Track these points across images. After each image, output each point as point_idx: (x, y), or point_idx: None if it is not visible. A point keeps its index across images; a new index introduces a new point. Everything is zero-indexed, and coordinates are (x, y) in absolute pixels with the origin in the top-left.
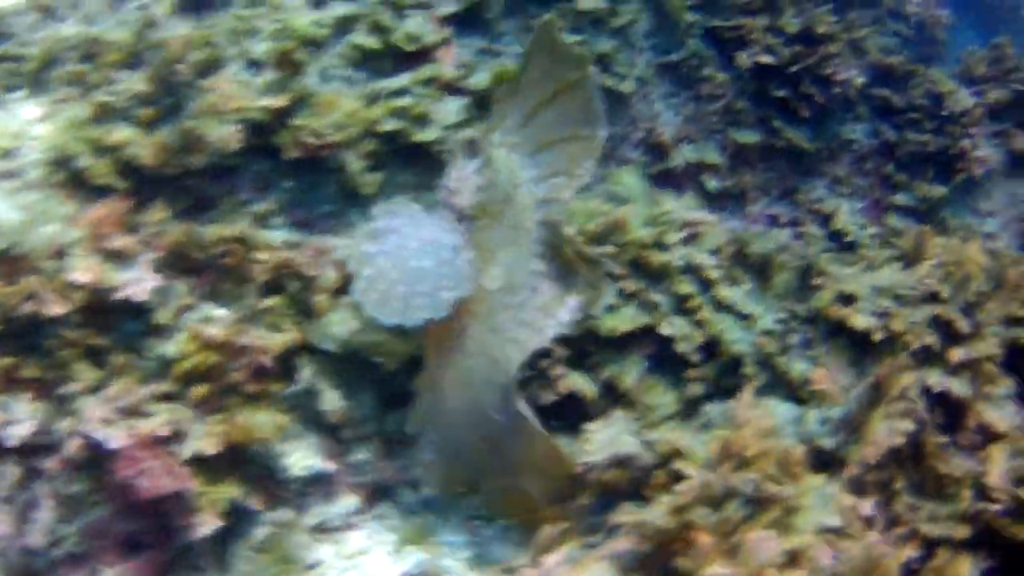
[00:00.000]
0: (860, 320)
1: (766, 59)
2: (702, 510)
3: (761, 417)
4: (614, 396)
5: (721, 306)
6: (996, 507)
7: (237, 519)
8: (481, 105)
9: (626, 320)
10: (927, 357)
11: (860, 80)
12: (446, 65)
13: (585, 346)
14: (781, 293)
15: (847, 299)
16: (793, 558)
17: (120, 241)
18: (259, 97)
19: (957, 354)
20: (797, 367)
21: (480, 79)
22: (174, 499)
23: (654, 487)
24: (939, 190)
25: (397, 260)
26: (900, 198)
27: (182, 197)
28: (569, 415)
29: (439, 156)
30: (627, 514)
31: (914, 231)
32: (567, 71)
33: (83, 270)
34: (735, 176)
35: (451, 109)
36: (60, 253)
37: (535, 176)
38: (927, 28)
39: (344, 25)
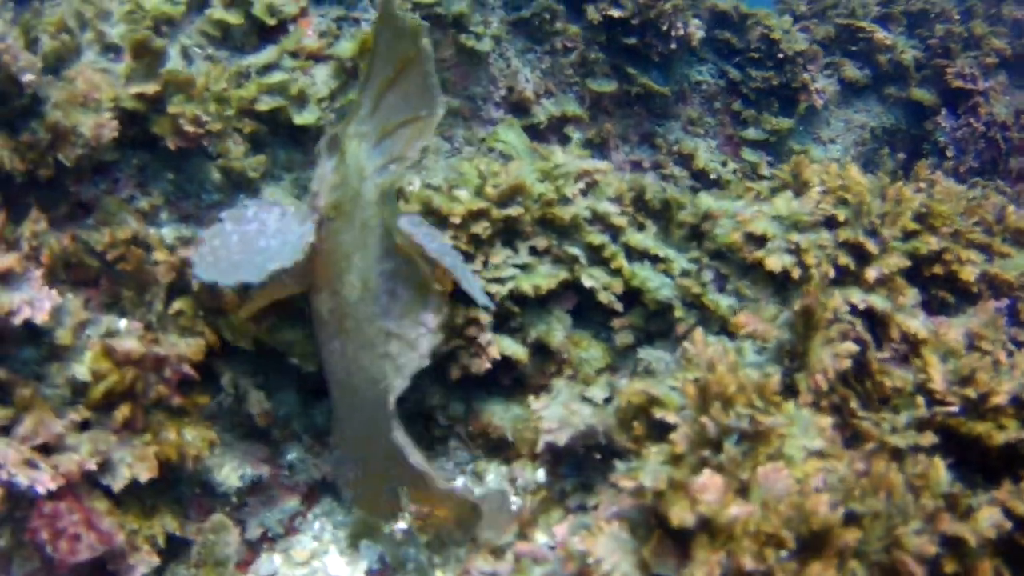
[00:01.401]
0: (775, 261)
1: (614, 12)
2: (705, 452)
3: (724, 353)
4: (544, 355)
5: (634, 253)
6: (949, 409)
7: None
8: (351, 74)
9: (546, 277)
10: (842, 278)
11: (700, 34)
12: (307, 36)
13: (508, 307)
14: (685, 235)
15: (757, 240)
16: (803, 487)
17: (4, 259)
18: (128, 84)
19: (872, 273)
20: (724, 303)
21: (344, 47)
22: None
23: (636, 438)
24: (786, 122)
25: (246, 238)
26: (751, 132)
27: (60, 201)
28: (504, 380)
29: (320, 131)
30: (625, 477)
31: (792, 160)
32: (405, 46)
33: None
34: (596, 125)
35: (321, 79)
36: None
37: (378, 167)
38: None
39: (199, 1)
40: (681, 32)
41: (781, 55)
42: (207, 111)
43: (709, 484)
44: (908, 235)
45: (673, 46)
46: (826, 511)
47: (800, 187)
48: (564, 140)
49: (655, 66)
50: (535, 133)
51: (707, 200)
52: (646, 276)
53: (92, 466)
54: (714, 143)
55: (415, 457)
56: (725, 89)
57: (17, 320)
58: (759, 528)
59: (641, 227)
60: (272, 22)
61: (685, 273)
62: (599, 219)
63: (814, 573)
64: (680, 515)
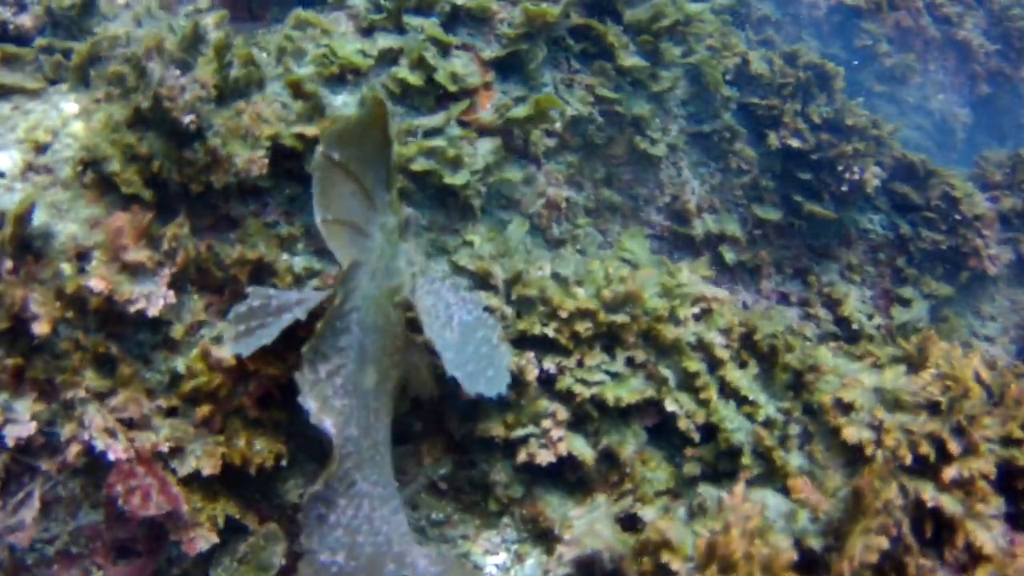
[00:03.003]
0: (853, 433)
1: (794, 143)
2: None
3: (750, 515)
4: (611, 463)
5: (727, 388)
6: None
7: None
8: (518, 153)
9: (632, 391)
10: (922, 469)
11: (876, 182)
12: (483, 109)
13: (587, 410)
14: (787, 381)
15: (846, 407)
16: None
17: (138, 254)
18: (292, 124)
19: (949, 472)
20: (794, 462)
21: (518, 111)
22: (168, 515)
23: (642, 573)
24: (946, 288)
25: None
26: (908, 291)
27: (207, 214)
28: (569, 476)
29: (467, 200)
30: None
31: (920, 335)
32: None
33: (99, 278)
34: (752, 250)
35: (483, 151)
36: (80, 256)
37: None
38: (948, 124)
39: (389, 57)
40: (857, 176)
41: (959, 217)
42: None
43: None
44: (1009, 441)
45: (845, 188)
46: None
47: (920, 363)
48: (717, 258)
49: (824, 205)
50: (688, 245)
51: (824, 353)
52: (726, 415)
53: (165, 448)
54: (869, 293)
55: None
56: (892, 242)
57: (131, 309)
58: None
59: (744, 364)
60: (452, 89)
61: (768, 422)
62: (703, 347)
63: None
64: None
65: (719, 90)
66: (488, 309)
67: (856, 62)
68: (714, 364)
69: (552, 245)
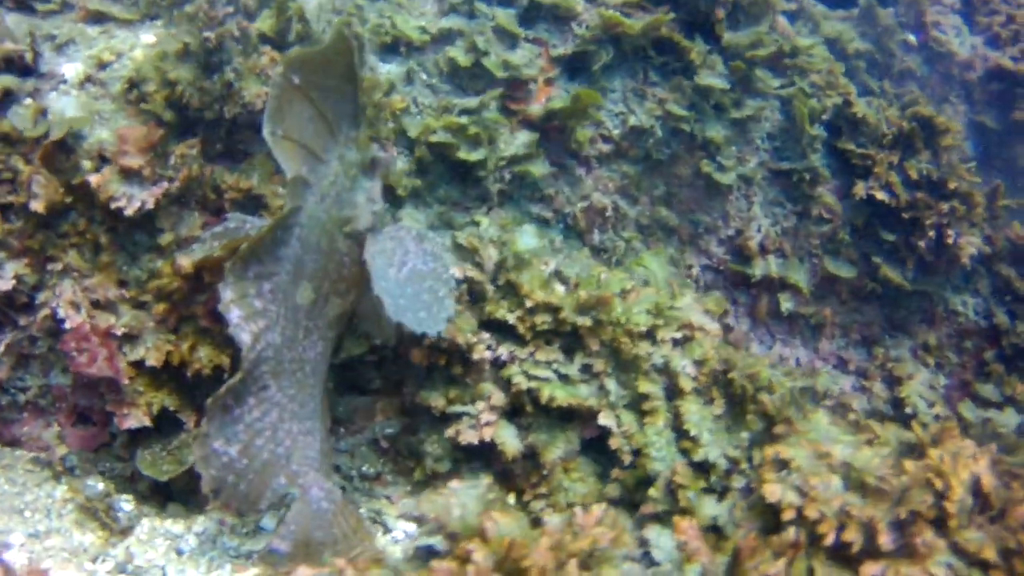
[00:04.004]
0: (775, 491)
1: (882, 196)
2: None
3: (590, 537)
4: (535, 463)
5: (679, 419)
6: None
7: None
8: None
9: (570, 395)
10: (845, 552)
11: (972, 251)
12: (537, 102)
13: (523, 403)
14: (757, 430)
15: (782, 464)
16: None
17: (134, 161)
18: None
19: (870, 570)
20: (706, 509)
21: (557, 103)
22: (115, 389)
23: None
24: None
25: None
26: (988, 389)
27: (220, 142)
28: (495, 464)
29: (484, 180)
30: None
31: (940, 425)
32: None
33: (97, 175)
34: (817, 306)
35: (519, 141)
36: (102, 158)
37: None
38: None
39: (449, 38)
40: (951, 241)
41: None
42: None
43: None
44: (985, 565)
45: (932, 257)
46: None
47: (911, 460)
48: (774, 304)
49: (905, 273)
50: (745, 284)
51: (818, 416)
52: (655, 442)
53: (119, 331)
54: (942, 381)
55: None
56: (984, 332)
57: (112, 205)
58: None
59: (711, 400)
60: (500, 75)
61: (705, 465)
62: (668, 372)
63: None
64: None
65: (806, 127)
66: (460, 279)
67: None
68: (675, 392)
69: (590, 251)
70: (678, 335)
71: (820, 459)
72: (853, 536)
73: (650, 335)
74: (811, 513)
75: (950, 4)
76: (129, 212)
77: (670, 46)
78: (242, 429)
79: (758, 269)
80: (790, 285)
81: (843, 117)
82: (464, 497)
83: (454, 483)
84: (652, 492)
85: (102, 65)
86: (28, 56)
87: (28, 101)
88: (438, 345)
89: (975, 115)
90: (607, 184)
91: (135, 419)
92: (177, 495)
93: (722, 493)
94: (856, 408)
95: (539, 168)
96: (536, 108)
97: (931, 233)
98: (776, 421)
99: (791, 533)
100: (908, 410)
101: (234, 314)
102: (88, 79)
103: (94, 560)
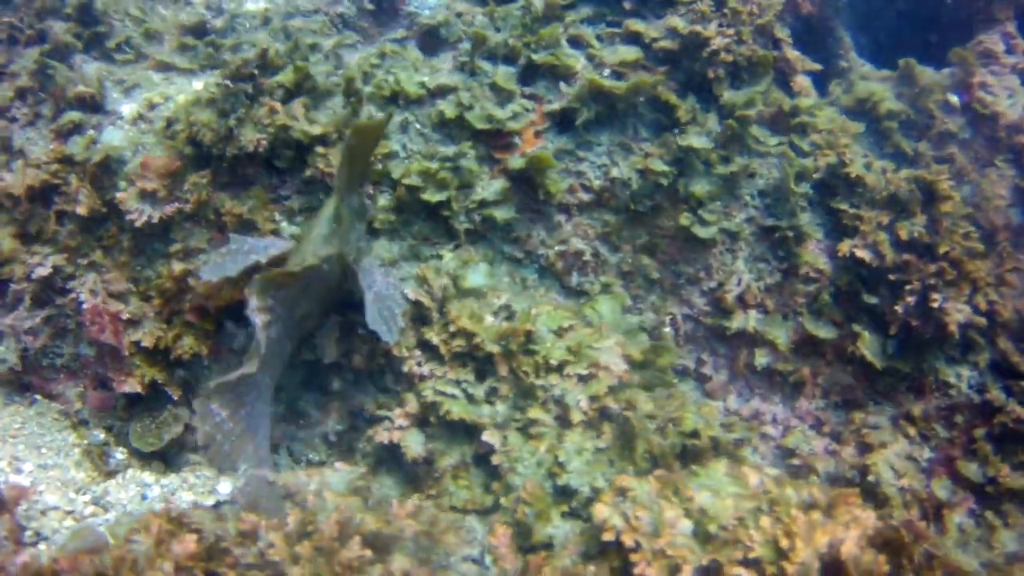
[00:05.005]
0: (602, 511)
1: (864, 254)
2: None
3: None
4: (429, 466)
5: (560, 446)
6: None
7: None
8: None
9: (464, 411)
10: None
11: (959, 318)
12: (515, 154)
13: (429, 414)
14: (645, 467)
15: (622, 492)
16: None
17: (149, 184)
18: (308, 121)
19: None
20: (541, 529)
21: (517, 163)
22: (117, 359)
23: None
24: (1019, 480)
25: (239, 254)
26: (972, 470)
27: (228, 174)
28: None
29: (450, 219)
30: None
31: (838, 492)
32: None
33: (122, 193)
34: (796, 364)
35: (494, 188)
36: (131, 180)
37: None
38: None
39: (443, 92)
40: (936, 305)
41: None
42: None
43: None
44: None
45: (917, 322)
46: None
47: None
48: (750, 358)
49: (893, 339)
50: (723, 337)
51: (714, 466)
52: (525, 463)
53: (125, 316)
54: (926, 455)
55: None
56: (977, 408)
57: (127, 217)
58: None
59: (599, 434)
60: (482, 127)
61: (567, 490)
62: (560, 404)
63: None
64: None
65: (791, 186)
66: (407, 297)
67: None
68: (565, 420)
69: (568, 292)
70: (584, 372)
71: (680, 502)
72: (654, 572)
73: (559, 368)
74: (627, 540)
75: (1011, 64)
76: (138, 223)
77: (661, 104)
78: (231, 397)
79: (735, 323)
80: (768, 341)
81: (838, 177)
82: (332, 477)
83: (338, 464)
84: (504, 502)
85: (152, 106)
86: (97, 97)
87: (91, 132)
88: (376, 354)
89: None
90: (587, 231)
91: (130, 386)
92: (167, 454)
93: (587, 520)
94: (820, 471)
95: (503, 213)
96: (514, 160)
97: (909, 298)
98: (661, 463)
99: (565, 558)
100: (871, 478)
101: (258, 318)
102: (140, 117)
103: (77, 492)
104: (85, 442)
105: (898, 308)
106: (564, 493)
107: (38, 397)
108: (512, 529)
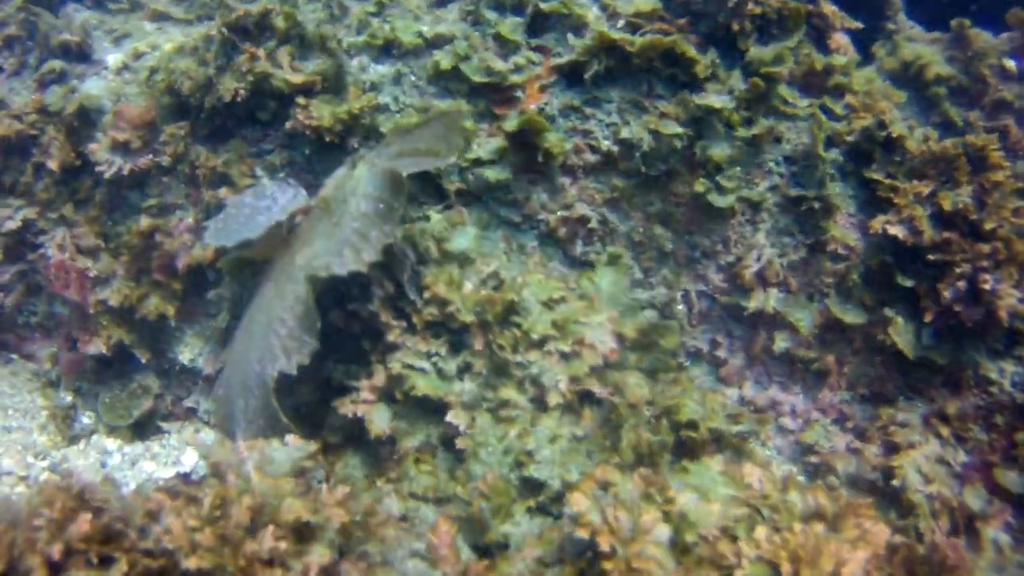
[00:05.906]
0: (579, 500)
1: (897, 231)
2: None
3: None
4: (393, 445)
5: (532, 431)
6: None
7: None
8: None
9: (430, 386)
10: None
11: (1012, 302)
12: (526, 107)
13: (394, 388)
14: (634, 460)
15: (604, 485)
16: None
17: (122, 135)
18: (293, 70)
19: None
20: (499, 526)
21: (511, 124)
22: (83, 318)
23: None
24: None
25: (254, 212)
26: (1010, 478)
27: (208, 125)
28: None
29: (438, 178)
30: None
31: (848, 501)
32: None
33: (94, 143)
34: (819, 351)
35: (490, 147)
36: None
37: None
38: None
39: (441, 42)
40: (987, 287)
41: None
42: (341, 115)
43: None
44: None
45: (961, 307)
46: None
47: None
48: (768, 342)
49: (929, 327)
50: (740, 316)
51: (705, 463)
52: (489, 448)
53: (93, 273)
54: (962, 457)
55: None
56: (1020, 409)
57: (96, 168)
58: None
59: (578, 420)
60: (479, 79)
61: (533, 482)
62: (537, 384)
63: None
64: None
65: (819, 151)
66: None
67: None
68: (542, 404)
69: (571, 262)
70: (567, 349)
71: (662, 502)
72: None
73: (541, 344)
74: (603, 543)
75: None
76: (107, 175)
77: (678, 57)
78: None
79: (753, 302)
80: (789, 324)
81: (874, 141)
82: (277, 452)
83: (289, 438)
84: (461, 492)
85: (138, 55)
86: (83, 45)
87: (73, 82)
88: (357, 314)
89: None
90: (593, 195)
91: (95, 346)
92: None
93: (557, 517)
94: (839, 471)
95: (496, 173)
96: (509, 121)
97: (960, 282)
98: (645, 459)
99: (518, 563)
100: (895, 482)
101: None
102: (124, 66)
103: (36, 456)
104: (53, 404)
105: (946, 292)
106: (531, 486)
107: (14, 357)
108: (459, 526)
